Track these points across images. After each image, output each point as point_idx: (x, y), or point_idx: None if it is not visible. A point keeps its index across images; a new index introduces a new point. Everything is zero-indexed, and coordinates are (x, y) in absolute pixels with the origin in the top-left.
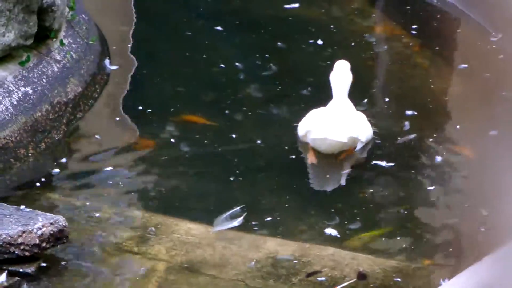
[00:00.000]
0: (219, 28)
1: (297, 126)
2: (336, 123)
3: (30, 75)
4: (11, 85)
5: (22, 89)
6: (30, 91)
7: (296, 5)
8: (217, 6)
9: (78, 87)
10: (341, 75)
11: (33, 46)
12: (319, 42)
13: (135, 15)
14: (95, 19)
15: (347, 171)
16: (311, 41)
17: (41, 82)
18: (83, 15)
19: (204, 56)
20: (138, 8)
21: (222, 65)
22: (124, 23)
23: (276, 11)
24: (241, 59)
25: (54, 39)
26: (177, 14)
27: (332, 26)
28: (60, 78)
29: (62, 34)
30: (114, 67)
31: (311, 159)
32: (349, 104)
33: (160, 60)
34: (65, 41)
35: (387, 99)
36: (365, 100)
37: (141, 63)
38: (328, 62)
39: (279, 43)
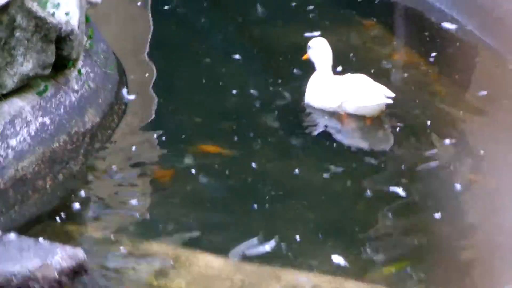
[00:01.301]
0: (237, 56)
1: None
2: (375, 87)
3: (48, 105)
4: (29, 115)
5: (40, 119)
6: (48, 121)
7: (317, 33)
8: (236, 35)
9: (96, 117)
10: (321, 50)
11: (51, 75)
12: (338, 69)
13: (153, 44)
14: (113, 48)
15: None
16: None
17: (59, 112)
18: (101, 44)
19: (222, 84)
20: (156, 37)
21: (239, 94)
22: (142, 52)
23: (296, 39)
24: (258, 88)
25: (72, 69)
26: (196, 43)
27: (351, 54)
28: (78, 108)
29: (80, 63)
30: (131, 97)
31: (348, 123)
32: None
33: (178, 89)
34: (83, 71)
35: (406, 126)
36: (387, 126)
37: (159, 93)
38: None
39: (295, 70)
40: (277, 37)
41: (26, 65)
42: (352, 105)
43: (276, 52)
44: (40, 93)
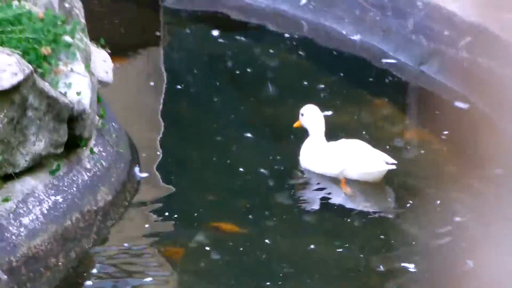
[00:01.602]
0: (248, 134)
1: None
2: (376, 154)
3: (61, 184)
4: (42, 194)
5: (53, 198)
6: (61, 200)
7: (329, 112)
8: (248, 113)
9: (108, 196)
10: (313, 117)
11: (63, 154)
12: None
13: (165, 123)
14: (126, 127)
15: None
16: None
17: (71, 190)
18: (113, 124)
19: (234, 162)
20: (169, 116)
21: (251, 172)
22: (154, 131)
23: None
24: (270, 166)
25: (85, 148)
26: (208, 121)
27: (363, 132)
28: (90, 186)
29: (92, 142)
30: (144, 175)
31: (347, 191)
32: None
33: (190, 167)
34: (95, 150)
35: (416, 202)
36: (408, 205)
37: (171, 170)
38: None
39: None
40: (288, 115)
41: (38, 145)
42: (355, 172)
43: (288, 131)
44: (52, 172)
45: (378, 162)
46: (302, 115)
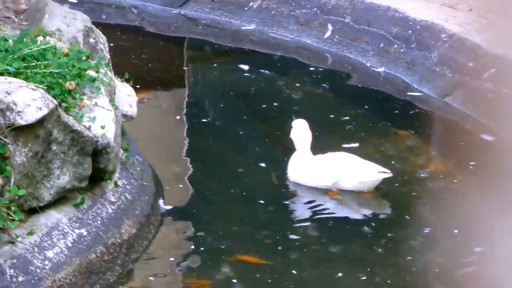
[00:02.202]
0: (273, 167)
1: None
2: (369, 164)
3: (85, 217)
4: (66, 227)
5: (77, 231)
6: (85, 233)
7: (355, 144)
8: (273, 146)
9: (132, 229)
10: (301, 132)
11: (87, 188)
12: None
13: (189, 156)
14: (150, 160)
15: None
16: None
17: (96, 223)
18: (137, 157)
19: (257, 195)
20: (192, 148)
21: (274, 204)
22: (178, 164)
23: (333, 150)
24: (293, 198)
25: (109, 181)
26: (232, 154)
27: (389, 163)
28: (114, 219)
29: (116, 175)
30: (168, 207)
31: (335, 197)
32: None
33: (214, 200)
34: (120, 183)
35: (446, 238)
36: (426, 231)
37: (195, 203)
38: (385, 201)
39: None
40: (314, 148)
41: (62, 178)
42: (350, 182)
43: None
44: (77, 206)
45: (372, 171)
46: (292, 128)
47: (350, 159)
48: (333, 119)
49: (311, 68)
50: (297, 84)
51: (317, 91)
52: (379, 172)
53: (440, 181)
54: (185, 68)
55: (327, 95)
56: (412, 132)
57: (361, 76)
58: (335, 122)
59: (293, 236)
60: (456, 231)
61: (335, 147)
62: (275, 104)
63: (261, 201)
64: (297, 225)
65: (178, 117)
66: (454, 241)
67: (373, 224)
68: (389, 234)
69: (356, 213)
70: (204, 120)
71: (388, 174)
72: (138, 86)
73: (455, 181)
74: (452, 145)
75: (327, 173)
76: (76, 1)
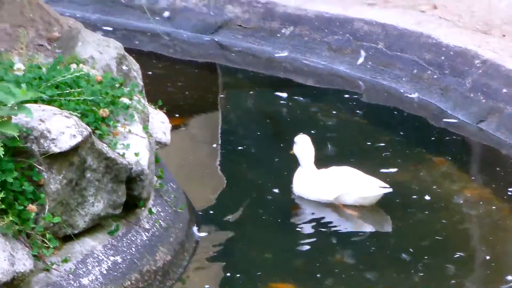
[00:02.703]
0: None
1: None
2: (370, 179)
3: (119, 244)
4: (101, 255)
5: (112, 258)
6: (120, 260)
7: (394, 169)
8: None
9: (167, 255)
10: (304, 147)
11: (122, 215)
12: (419, 199)
13: (223, 183)
14: (183, 187)
15: None
16: (397, 200)
17: (130, 251)
18: (171, 184)
19: (292, 222)
20: (226, 175)
21: (309, 230)
22: (212, 191)
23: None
24: (327, 225)
25: (143, 208)
26: (266, 181)
27: (422, 190)
28: (149, 246)
29: (150, 202)
30: (202, 234)
31: (352, 212)
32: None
33: (247, 226)
34: (154, 210)
35: (480, 263)
36: (461, 257)
37: (229, 230)
38: (420, 226)
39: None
40: None
41: (97, 206)
42: (351, 197)
43: None
44: (111, 233)
45: (373, 187)
46: (295, 143)
47: (351, 174)
48: (368, 145)
49: (345, 95)
50: (331, 111)
51: (351, 117)
52: (380, 187)
53: (476, 208)
54: (220, 95)
55: (361, 121)
56: (448, 158)
57: (395, 102)
58: (370, 148)
59: (329, 262)
60: (488, 257)
61: (372, 173)
62: (308, 130)
63: (296, 228)
64: (332, 251)
65: (212, 144)
66: (487, 269)
67: (410, 250)
68: (425, 261)
69: (392, 239)
70: (238, 147)
71: (388, 189)
72: (171, 113)
73: (491, 207)
74: (488, 171)
75: (329, 187)
76: (111, 29)
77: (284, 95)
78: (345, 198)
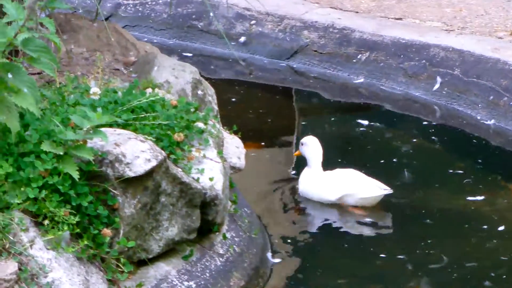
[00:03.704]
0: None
1: None
2: (371, 181)
3: (194, 269)
4: (175, 280)
5: (186, 283)
6: (194, 286)
7: (481, 197)
8: (388, 195)
9: (241, 281)
10: (312, 147)
11: (196, 240)
12: (500, 227)
13: (296, 208)
14: (258, 212)
15: None
16: (484, 226)
17: (204, 276)
18: (245, 209)
19: (366, 248)
20: (300, 201)
21: (386, 256)
22: (287, 217)
23: (457, 203)
24: (407, 250)
25: (217, 233)
26: (340, 208)
27: (501, 217)
28: (223, 272)
29: (224, 227)
30: (276, 260)
31: (360, 212)
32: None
33: (322, 253)
34: (228, 235)
35: None
36: None
37: (304, 256)
38: (495, 256)
39: (451, 232)
40: (424, 200)
41: (171, 230)
42: (352, 198)
43: (428, 214)
44: (185, 258)
45: (374, 188)
46: (302, 144)
47: (353, 175)
48: (444, 171)
49: (421, 121)
50: (406, 137)
51: (427, 143)
52: (380, 188)
53: None
54: (295, 120)
55: (437, 147)
56: None
57: (470, 128)
58: (446, 175)
59: None
60: None
61: (456, 199)
62: (383, 156)
63: (372, 254)
64: (413, 278)
65: (287, 169)
66: None
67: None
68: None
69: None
70: None
71: (388, 191)
72: (246, 138)
73: None
74: None
75: (332, 188)
76: (191, 55)
77: (361, 121)
78: (347, 199)
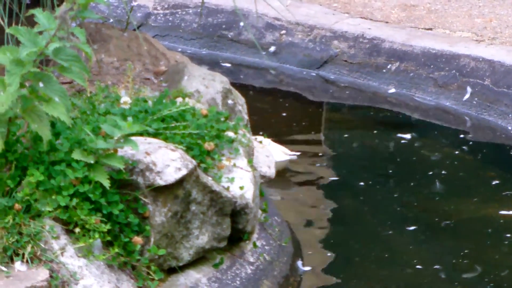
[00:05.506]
0: (411, 229)
1: None
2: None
3: (224, 277)
4: (205, 287)
5: None
6: None
7: None
8: (418, 210)
9: None
10: None
11: (226, 248)
12: None
13: (327, 217)
14: (288, 221)
15: None
16: None
17: (235, 284)
18: (275, 217)
19: (398, 257)
20: (331, 210)
21: (419, 267)
22: (317, 225)
23: (489, 213)
24: (441, 261)
25: (247, 241)
26: (370, 216)
27: None
28: (253, 280)
29: (255, 236)
30: (307, 269)
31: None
32: None
33: (353, 262)
34: (258, 243)
35: None
36: None
37: (334, 265)
38: None
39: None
40: (457, 211)
41: (202, 238)
42: None
43: (460, 226)
44: (216, 266)
45: (278, 153)
46: None
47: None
48: (475, 182)
49: (451, 132)
50: (436, 146)
51: (457, 153)
52: (286, 154)
53: None
54: (325, 129)
55: (467, 157)
56: None
57: (501, 139)
58: (478, 185)
59: None
60: None
61: (483, 210)
62: (413, 166)
63: (403, 264)
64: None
65: (317, 178)
66: None
67: None
68: None
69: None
70: (343, 181)
71: (293, 156)
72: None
73: None
74: None
75: None
76: (221, 64)
77: (391, 131)
78: None
